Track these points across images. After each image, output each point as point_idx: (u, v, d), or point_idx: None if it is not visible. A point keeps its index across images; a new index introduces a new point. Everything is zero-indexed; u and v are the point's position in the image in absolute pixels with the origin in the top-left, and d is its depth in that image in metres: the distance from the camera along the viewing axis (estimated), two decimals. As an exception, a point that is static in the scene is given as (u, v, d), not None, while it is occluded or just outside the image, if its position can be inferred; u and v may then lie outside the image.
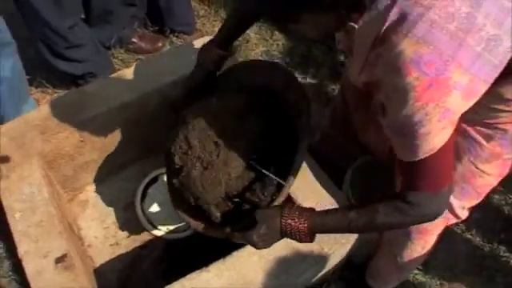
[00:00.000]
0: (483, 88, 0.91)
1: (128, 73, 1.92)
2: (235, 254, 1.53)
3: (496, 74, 0.91)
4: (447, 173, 1.03)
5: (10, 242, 1.63)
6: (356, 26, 0.95)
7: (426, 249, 1.50)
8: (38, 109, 1.91)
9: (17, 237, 1.59)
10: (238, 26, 1.51)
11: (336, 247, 1.52)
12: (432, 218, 1.08)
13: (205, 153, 1.42)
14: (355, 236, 1.54)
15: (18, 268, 1.76)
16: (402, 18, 0.87)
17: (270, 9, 0.98)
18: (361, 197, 1.68)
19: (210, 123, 1.44)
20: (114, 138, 1.93)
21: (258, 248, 1.20)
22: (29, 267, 1.54)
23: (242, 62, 1.79)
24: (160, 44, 2.70)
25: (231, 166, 1.41)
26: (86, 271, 1.64)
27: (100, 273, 1.88)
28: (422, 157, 0.96)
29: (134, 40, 2.65)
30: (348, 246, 1.55)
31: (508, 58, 0.91)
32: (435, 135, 0.93)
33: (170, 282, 1.49)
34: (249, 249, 1.51)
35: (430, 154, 0.95)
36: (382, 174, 1.48)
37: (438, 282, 1.99)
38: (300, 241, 1.18)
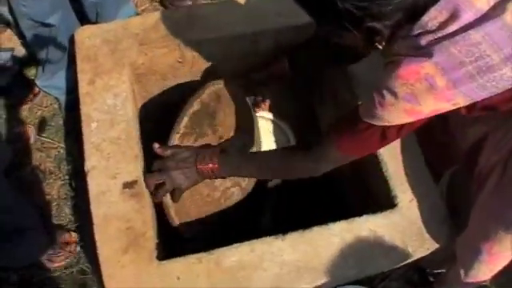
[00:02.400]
0: (462, 102, 0.92)
1: (243, 2, 1.69)
2: (315, 228, 1.36)
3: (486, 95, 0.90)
4: (367, 151, 1.12)
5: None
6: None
7: (494, 272, 1.40)
8: (142, 17, 1.72)
9: (88, 149, 1.40)
10: None
11: (421, 250, 1.38)
12: (314, 174, 1.19)
13: None
14: (441, 242, 1.40)
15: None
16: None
17: None
18: (455, 202, 1.53)
19: None
20: (214, 67, 1.72)
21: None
22: (93, 184, 1.36)
23: None
24: None
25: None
26: (152, 206, 1.43)
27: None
28: (376, 122, 1.00)
29: None
30: (430, 251, 1.40)
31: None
32: (396, 110, 0.96)
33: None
34: (331, 228, 1.36)
35: (375, 130, 1.02)
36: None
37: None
38: (216, 178, 1.35)
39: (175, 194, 1.33)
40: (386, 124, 1.01)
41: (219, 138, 1.56)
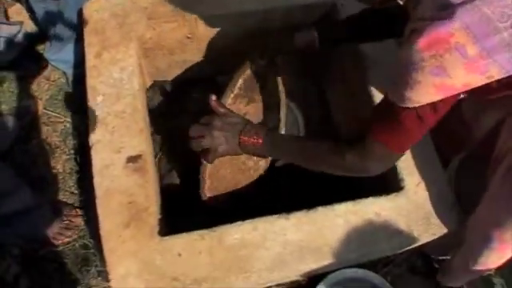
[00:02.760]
0: (497, 74, 0.83)
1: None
2: (320, 209, 1.34)
3: None
4: (410, 141, 1.04)
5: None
6: None
7: (503, 260, 1.36)
8: (151, -9, 1.67)
9: (92, 122, 1.39)
10: None
11: (425, 236, 1.36)
12: (365, 174, 1.12)
13: None
14: (448, 229, 1.38)
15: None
16: None
17: None
18: (463, 188, 1.52)
19: None
20: (223, 44, 1.70)
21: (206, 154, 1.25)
22: (97, 158, 1.35)
23: None
24: None
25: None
26: (156, 181, 1.42)
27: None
28: (406, 104, 0.93)
29: None
30: (435, 237, 1.38)
31: None
32: (424, 87, 0.88)
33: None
34: (336, 209, 1.34)
35: (409, 114, 0.94)
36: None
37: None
38: (257, 155, 1.28)
39: (209, 154, 1.25)
40: (416, 105, 0.94)
41: (265, 107, 1.55)
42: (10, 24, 2.01)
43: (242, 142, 1.23)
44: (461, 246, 1.54)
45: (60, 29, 1.91)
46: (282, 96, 1.49)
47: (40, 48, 2.08)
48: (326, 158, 1.16)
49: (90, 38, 1.51)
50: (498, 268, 1.45)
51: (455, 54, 0.82)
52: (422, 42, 0.84)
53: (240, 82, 1.38)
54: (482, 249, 1.36)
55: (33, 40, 2.10)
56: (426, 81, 0.88)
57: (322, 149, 1.17)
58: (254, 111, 1.52)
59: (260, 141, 1.22)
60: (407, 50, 0.88)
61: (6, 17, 2.00)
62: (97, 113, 1.40)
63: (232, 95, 1.37)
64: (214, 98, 1.26)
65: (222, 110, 1.25)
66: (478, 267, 1.43)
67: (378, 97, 1.50)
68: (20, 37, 2.03)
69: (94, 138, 1.38)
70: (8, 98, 2.02)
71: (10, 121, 1.93)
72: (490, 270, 1.48)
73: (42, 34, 2.06)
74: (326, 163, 1.20)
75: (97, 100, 1.42)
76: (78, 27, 1.79)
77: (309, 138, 1.28)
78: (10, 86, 2.05)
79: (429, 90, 0.90)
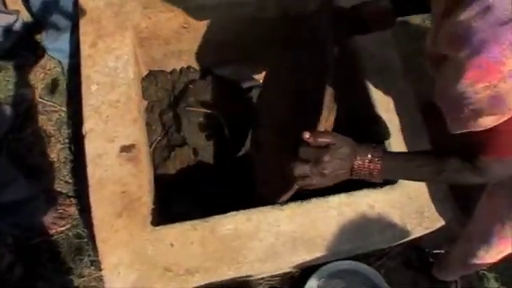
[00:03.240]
0: None
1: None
2: (314, 200, 1.33)
3: None
4: None
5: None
6: None
7: (501, 255, 1.38)
8: (146, -20, 1.66)
9: (86, 111, 1.39)
10: None
11: (419, 229, 1.35)
12: (498, 180, 1.06)
13: None
14: (441, 222, 1.36)
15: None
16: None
17: None
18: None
19: None
20: (219, 34, 1.69)
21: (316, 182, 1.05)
22: (90, 147, 1.34)
23: None
24: None
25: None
26: (149, 171, 1.41)
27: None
28: (481, 128, 0.87)
29: None
30: (428, 231, 1.38)
31: None
32: (487, 116, 0.83)
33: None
34: (330, 201, 1.33)
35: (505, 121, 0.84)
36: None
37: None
38: (369, 180, 1.09)
39: (315, 187, 1.08)
40: (489, 126, 0.86)
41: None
42: (7, 13, 2.00)
43: (355, 170, 1.06)
44: (457, 240, 1.56)
45: (55, 18, 1.90)
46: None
47: (37, 37, 2.07)
48: (447, 176, 1.06)
49: (85, 27, 1.50)
50: (493, 264, 1.46)
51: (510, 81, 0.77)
52: (472, 72, 0.78)
53: (329, 93, 1.14)
54: (482, 244, 1.38)
55: (29, 29, 2.09)
56: (486, 111, 0.83)
57: (441, 169, 1.04)
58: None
59: (378, 167, 1.05)
60: (455, 80, 0.82)
61: (4, 5, 1.99)
62: (91, 102, 1.40)
63: (325, 115, 1.12)
64: (307, 135, 1.02)
65: (324, 140, 1.03)
66: (477, 261, 1.45)
67: (373, 90, 1.49)
68: (17, 26, 2.03)
69: (88, 126, 1.37)
70: (4, 86, 2.02)
71: (6, 109, 1.93)
72: (487, 264, 1.49)
73: (39, 24, 2.05)
74: (446, 180, 1.21)
75: (91, 89, 1.41)
76: (74, 17, 1.78)
77: (423, 156, 1.09)
78: (6, 74, 2.04)
79: (490, 117, 0.84)
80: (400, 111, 1.47)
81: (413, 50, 1.99)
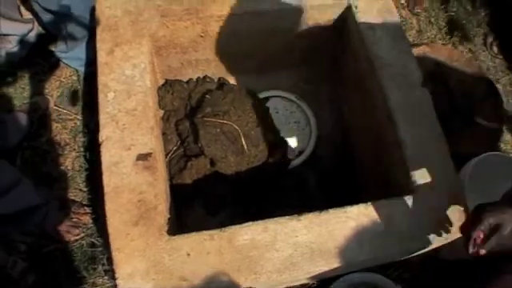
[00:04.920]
0: None
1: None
2: (332, 211, 1.32)
3: None
4: None
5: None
6: None
7: None
8: (164, -11, 1.66)
9: (103, 119, 1.38)
10: None
11: (438, 239, 1.33)
12: None
13: None
14: (457, 233, 1.31)
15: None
16: None
17: None
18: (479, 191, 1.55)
19: None
20: (236, 44, 1.68)
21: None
22: (106, 155, 1.33)
23: None
24: None
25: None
26: (165, 180, 1.40)
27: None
28: None
29: None
30: (448, 241, 1.35)
31: None
32: None
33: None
34: (348, 212, 1.31)
35: None
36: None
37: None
38: None
39: None
40: None
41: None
42: (23, 22, 2.00)
43: None
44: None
45: (72, 28, 1.90)
46: None
47: (51, 46, 2.08)
48: None
49: (102, 35, 1.50)
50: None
51: None
52: None
53: None
54: None
55: (44, 38, 2.10)
56: None
57: None
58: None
59: None
60: None
61: (20, 14, 2.00)
62: (107, 109, 1.39)
63: None
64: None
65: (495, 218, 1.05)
66: None
67: (391, 98, 1.47)
68: (32, 34, 2.03)
69: (104, 134, 1.36)
70: (19, 94, 2.02)
71: (21, 117, 1.93)
72: None
73: (54, 33, 2.05)
74: None
75: (108, 97, 1.41)
76: (91, 26, 1.78)
77: None
78: (22, 82, 2.04)
79: None
80: (419, 120, 1.45)
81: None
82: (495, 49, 2.40)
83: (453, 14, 2.48)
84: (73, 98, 2.03)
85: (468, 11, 2.50)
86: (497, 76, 2.37)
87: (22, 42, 2.00)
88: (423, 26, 2.43)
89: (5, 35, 1.93)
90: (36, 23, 2.05)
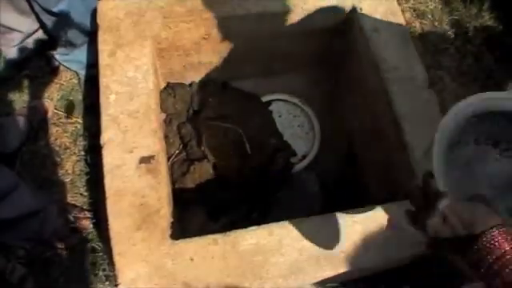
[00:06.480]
0: None
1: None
2: (338, 215, 1.30)
3: None
4: None
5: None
6: None
7: None
8: (167, -10, 1.64)
9: (105, 120, 1.36)
10: None
11: None
12: None
13: None
14: None
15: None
16: None
17: None
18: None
19: None
20: (240, 45, 1.65)
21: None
22: (108, 158, 1.31)
23: None
24: None
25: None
26: (168, 183, 1.38)
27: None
28: None
29: None
30: None
31: None
32: None
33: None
34: (355, 216, 1.29)
35: None
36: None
37: None
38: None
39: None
40: None
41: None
42: (31, 18, 1.97)
43: (482, 248, 0.79)
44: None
45: (72, 33, 1.88)
46: None
47: (51, 49, 2.05)
48: None
49: (104, 36, 1.48)
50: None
51: None
52: None
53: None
54: None
55: (44, 41, 2.07)
56: None
57: None
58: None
59: None
60: None
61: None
62: (109, 111, 1.37)
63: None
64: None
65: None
66: None
67: (397, 101, 1.45)
68: (32, 37, 2.01)
69: (106, 136, 1.34)
70: (18, 97, 1.99)
71: (21, 121, 1.90)
72: None
73: (54, 36, 2.03)
74: None
75: (110, 99, 1.39)
76: (92, 28, 1.76)
77: None
78: (21, 85, 2.02)
79: None
80: (425, 122, 1.43)
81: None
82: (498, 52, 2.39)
83: (457, 17, 2.47)
84: (73, 101, 2.00)
85: (472, 15, 2.49)
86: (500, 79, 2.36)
87: (24, 42, 1.97)
88: (426, 29, 2.42)
89: (11, 29, 1.88)
90: (35, 26, 2.03)
